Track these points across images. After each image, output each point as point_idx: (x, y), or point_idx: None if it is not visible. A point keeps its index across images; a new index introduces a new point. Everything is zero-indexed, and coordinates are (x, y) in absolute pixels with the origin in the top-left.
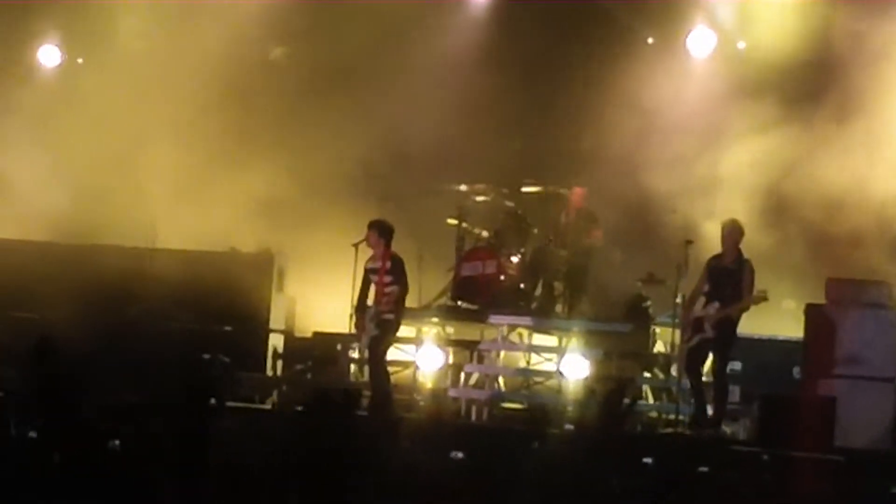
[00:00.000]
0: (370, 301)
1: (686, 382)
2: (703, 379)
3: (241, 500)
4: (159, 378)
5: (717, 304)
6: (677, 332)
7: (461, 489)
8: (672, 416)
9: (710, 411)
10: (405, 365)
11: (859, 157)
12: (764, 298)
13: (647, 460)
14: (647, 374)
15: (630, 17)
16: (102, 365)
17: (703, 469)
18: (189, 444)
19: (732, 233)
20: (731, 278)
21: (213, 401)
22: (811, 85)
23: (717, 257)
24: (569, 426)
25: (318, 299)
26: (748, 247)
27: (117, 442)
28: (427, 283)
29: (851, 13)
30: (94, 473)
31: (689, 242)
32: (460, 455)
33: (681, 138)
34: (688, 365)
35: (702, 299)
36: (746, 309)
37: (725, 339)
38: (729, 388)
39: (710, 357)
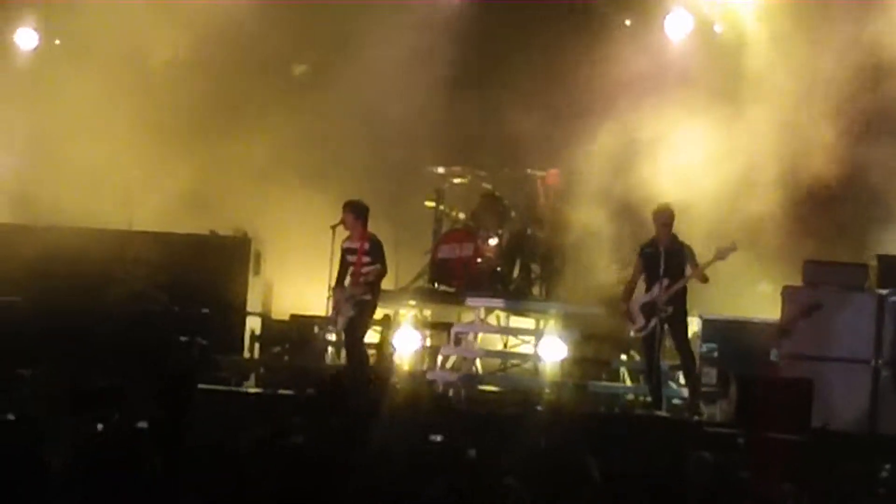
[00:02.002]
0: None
1: (665, 364)
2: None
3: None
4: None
5: (665, 282)
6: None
7: (440, 472)
8: (649, 399)
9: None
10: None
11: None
12: (732, 249)
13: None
14: (623, 357)
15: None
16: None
17: (681, 451)
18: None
19: (664, 217)
20: (671, 259)
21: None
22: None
23: (650, 244)
24: (539, 408)
25: (296, 282)
26: (724, 228)
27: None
28: (404, 265)
29: None
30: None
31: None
32: (439, 438)
33: (657, 119)
34: (648, 353)
35: (641, 287)
36: (705, 277)
37: (683, 310)
38: (695, 357)
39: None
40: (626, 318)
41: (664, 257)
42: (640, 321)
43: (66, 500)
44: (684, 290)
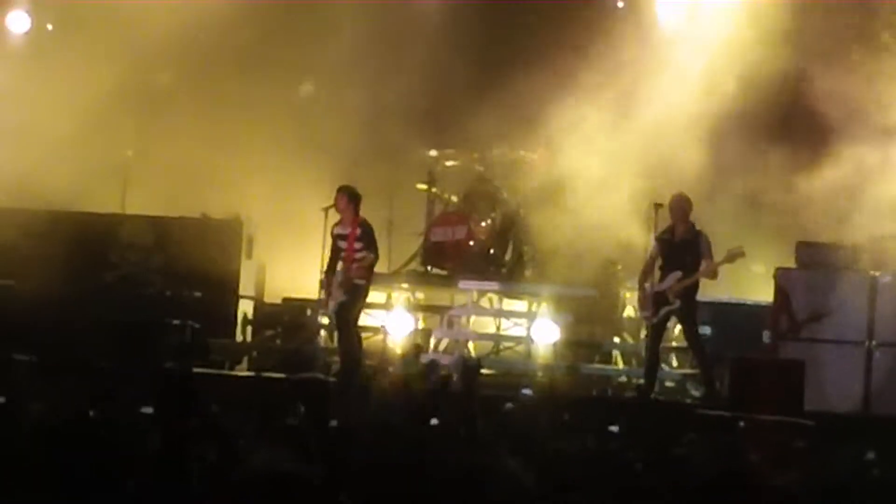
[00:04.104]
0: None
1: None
2: (676, 345)
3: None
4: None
5: (678, 274)
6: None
7: (439, 455)
8: (642, 381)
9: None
10: (375, 330)
11: None
12: (741, 254)
13: (614, 428)
14: (616, 339)
15: None
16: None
17: (673, 433)
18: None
19: (681, 205)
20: (686, 249)
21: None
22: None
23: (667, 231)
24: (526, 391)
25: (288, 265)
26: (719, 210)
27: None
28: (397, 248)
29: None
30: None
31: (658, 206)
32: (435, 421)
33: (649, 102)
34: (652, 341)
35: (657, 274)
36: (714, 274)
37: (691, 305)
38: (705, 350)
39: (679, 325)
40: (640, 304)
41: (679, 247)
42: (650, 309)
43: (63, 485)
44: (696, 284)
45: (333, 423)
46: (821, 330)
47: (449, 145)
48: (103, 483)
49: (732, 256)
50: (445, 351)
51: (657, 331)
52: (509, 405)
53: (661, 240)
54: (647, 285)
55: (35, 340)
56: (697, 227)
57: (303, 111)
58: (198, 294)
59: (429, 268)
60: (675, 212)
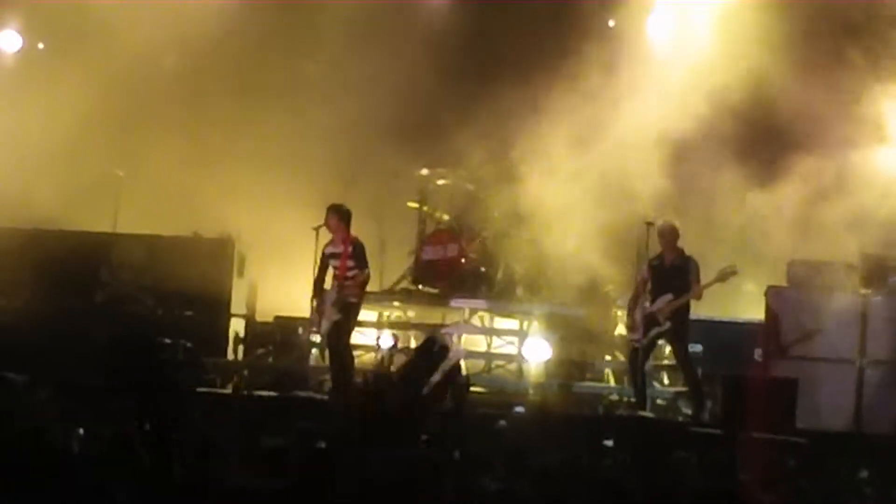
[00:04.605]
0: (327, 285)
1: (649, 364)
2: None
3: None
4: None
5: (668, 297)
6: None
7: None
8: (633, 399)
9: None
10: (366, 349)
11: None
12: (733, 273)
13: (608, 443)
14: (608, 357)
15: None
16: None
17: (665, 451)
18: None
19: (669, 234)
20: (676, 275)
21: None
22: None
23: (657, 258)
24: (519, 409)
25: (280, 283)
26: (709, 230)
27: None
28: (388, 266)
29: None
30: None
31: (649, 224)
32: (424, 437)
33: (640, 120)
34: (640, 363)
35: (646, 297)
36: (697, 297)
37: (683, 327)
38: (696, 371)
39: (669, 347)
40: (629, 327)
41: (669, 273)
42: (640, 333)
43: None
44: (686, 306)
45: (322, 444)
46: (812, 348)
47: (440, 164)
48: (94, 497)
49: (725, 275)
50: None
51: (645, 352)
52: (502, 423)
53: (651, 266)
54: (636, 310)
55: (26, 359)
56: (687, 254)
57: (293, 130)
58: (189, 313)
59: (420, 286)
60: (663, 239)
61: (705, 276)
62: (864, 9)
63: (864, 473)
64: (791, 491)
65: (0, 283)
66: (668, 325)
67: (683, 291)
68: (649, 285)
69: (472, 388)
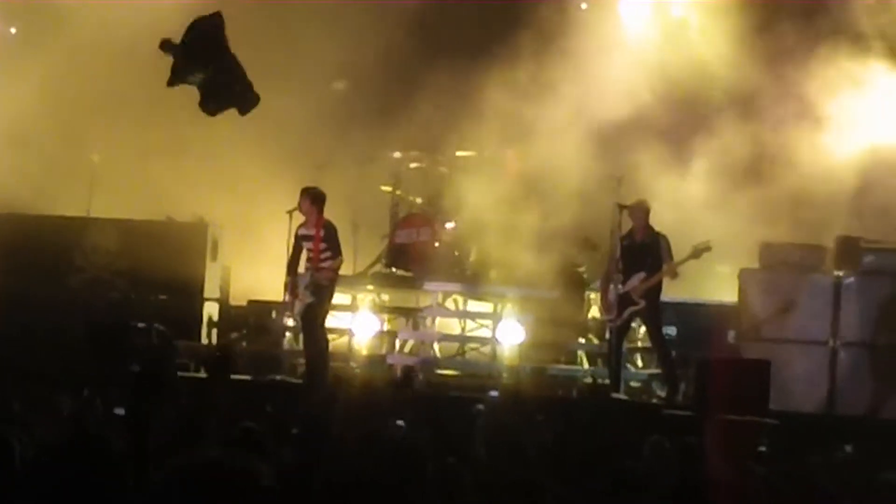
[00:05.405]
0: (301, 268)
1: (624, 346)
2: (641, 346)
3: None
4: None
5: (641, 275)
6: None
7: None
8: (607, 381)
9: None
10: (340, 332)
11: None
12: (707, 249)
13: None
14: (581, 340)
15: None
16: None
17: (638, 433)
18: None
19: (640, 211)
20: (647, 252)
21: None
22: None
23: (628, 236)
24: (493, 392)
25: (253, 267)
26: (680, 211)
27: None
28: (362, 250)
29: None
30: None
31: (621, 207)
32: (401, 423)
33: (616, 103)
34: (617, 343)
35: (619, 277)
36: (675, 273)
37: (656, 306)
38: (670, 350)
39: (643, 328)
40: (604, 308)
41: (640, 250)
42: (614, 312)
43: (32, 490)
44: (659, 284)
45: (294, 430)
46: (785, 330)
47: (413, 147)
48: (75, 486)
49: (698, 252)
50: (411, 353)
51: (620, 332)
52: (480, 406)
53: (622, 244)
54: (610, 288)
55: None
56: (657, 230)
57: (266, 114)
58: (163, 297)
59: (394, 269)
60: (634, 217)
61: (678, 253)
62: None
63: (837, 455)
64: (763, 473)
65: None
66: (642, 303)
67: (655, 269)
68: (620, 264)
69: (446, 372)
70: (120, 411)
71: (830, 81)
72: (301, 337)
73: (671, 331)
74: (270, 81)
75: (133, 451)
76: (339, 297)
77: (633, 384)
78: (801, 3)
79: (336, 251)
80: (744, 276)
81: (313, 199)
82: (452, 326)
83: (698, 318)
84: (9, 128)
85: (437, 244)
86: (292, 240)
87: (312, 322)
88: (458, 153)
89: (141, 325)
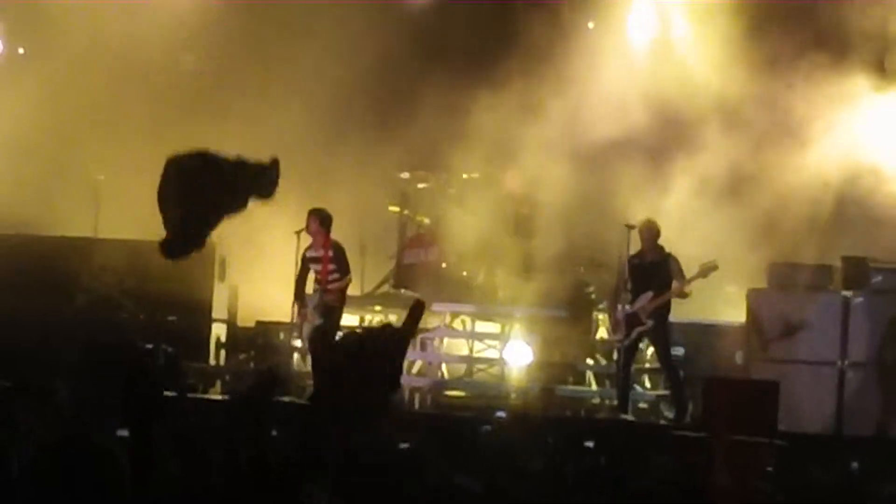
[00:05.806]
0: (309, 289)
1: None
2: (649, 367)
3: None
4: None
5: (649, 295)
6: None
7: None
8: (615, 402)
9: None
10: None
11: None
12: (714, 268)
13: (589, 444)
14: (590, 360)
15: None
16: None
17: (646, 454)
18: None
19: (649, 231)
20: (656, 272)
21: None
22: None
23: (637, 256)
24: (500, 413)
25: (261, 288)
26: (690, 231)
27: None
28: (369, 270)
29: None
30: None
31: (630, 227)
32: (406, 445)
33: (621, 123)
34: (624, 363)
35: (627, 297)
36: (685, 293)
37: (664, 326)
38: (678, 370)
39: (651, 347)
40: (612, 327)
41: (649, 270)
42: (622, 332)
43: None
44: (667, 304)
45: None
46: (793, 350)
47: (421, 167)
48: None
49: (706, 271)
50: (419, 373)
51: (629, 352)
52: (486, 427)
53: (630, 264)
54: (618, 308)
55: (7, 364)
56: (667, 250)
57: (273, 133)
58: (171, 318)
59: (402, 290)
60: (643, 237)
61: (685, 273)
62: None
63: (844, 475)
64: (770, 493)
65: None
66: (650, 323)
67: (664, 289)
68: (629, 284)
69: (454, 393)
70: (123, 433)
71: (842, 99)
72: (309, 358)
73: (679, 351)
74: (279, 100)
75: (135, 468)
76: (347, 319)
77: (642, 405)
78: (810, 31)
79: (344, 271)
80: (752, 296)
81: (321, 220)
82: (460, 347)
83: (707, 339)
84: (16, 147)
85: (444, 264)
86: (300, 262)
87: (321, 343)
88: (465, 175)
89: (149, 345)
